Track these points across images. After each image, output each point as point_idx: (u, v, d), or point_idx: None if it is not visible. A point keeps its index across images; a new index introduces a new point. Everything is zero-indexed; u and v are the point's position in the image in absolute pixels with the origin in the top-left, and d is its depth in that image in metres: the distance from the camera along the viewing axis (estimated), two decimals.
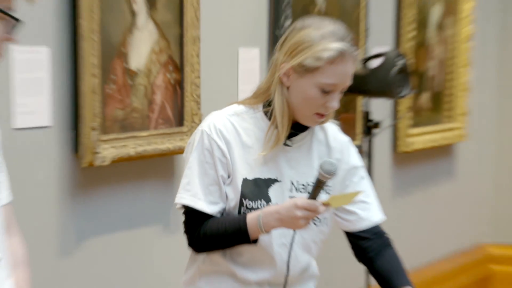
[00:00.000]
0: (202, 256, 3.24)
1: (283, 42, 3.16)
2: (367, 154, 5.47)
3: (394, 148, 6.46)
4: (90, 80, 4.01)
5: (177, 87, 4.52)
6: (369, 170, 5.43)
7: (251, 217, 3.09)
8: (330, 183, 3.15)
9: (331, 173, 3.01)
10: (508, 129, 7.72)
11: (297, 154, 3.20)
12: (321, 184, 3.03)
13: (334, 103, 3.13)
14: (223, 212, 3.19)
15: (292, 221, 3.03)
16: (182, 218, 3.23)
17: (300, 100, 3.12)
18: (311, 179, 3.15)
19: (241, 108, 3.21)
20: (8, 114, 3.79)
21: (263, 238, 3.14)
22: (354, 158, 3.36)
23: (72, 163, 4.08)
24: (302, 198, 3.07)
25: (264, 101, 3.18)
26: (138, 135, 4.29)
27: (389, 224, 6.22)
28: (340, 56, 3.08)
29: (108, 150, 4.11)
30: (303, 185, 3.19)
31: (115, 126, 4.19)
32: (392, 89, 5.30)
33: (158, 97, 4.41)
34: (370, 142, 5.48)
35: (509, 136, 7.72)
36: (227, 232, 3.13)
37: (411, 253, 6.71)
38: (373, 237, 3.35)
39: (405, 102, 6.33)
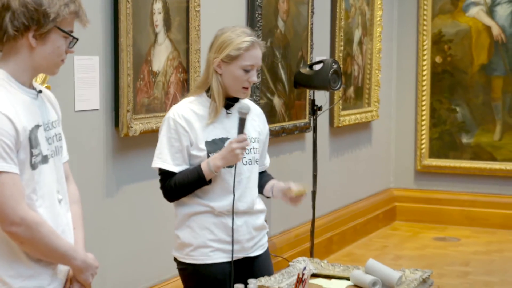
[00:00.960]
0: (182, 203, 3.11)
1: (212, 45, 3.12)
2: (313, 128, 5.44)
3: (331, 124, 6.43)
4: (126, 78, 3.98)
5: (185, 83, 4.48)
6: (314, 139, 5.40)
7: (203, 164, 3.02)
8: (248, 120, 3.07)
9: (247, 111, 3.02)
10: (403, 111, 7.75)
11: (236, 118, 3.10)
12: (243, 121, 3.01)
13: (254, 78, 3.08)
14: None
15: (231, 155, 2.98)
16: (158, 177, 3.12)
17: (231, 80, 3.06)
18: (247, 133, 3.09)
19: (191, 98, 3.14)
20: (71, 101, 3.77)
21: (225, 180, 3.06)
22: (266, 124, 3.32)
23: (113, 134, 4.05)
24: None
25: (206, 89, 3.11)
26: (158, 115, 4.25)
27: (326, 176, 6.24)
28: (252, 45, 3.06)
29: (138, 125, 4.08)
30: None
31: (142, 109, 4.15)
32: (329, 84, 5.27)
33: (172, 90, 4.37)
34: (315, 120, 5.45)
35: (403, 116, 7.75)
36: (189, 180, 3.03)
37: (342, 195, 6.72)
38: (264, 171, 3.31)
39: (338, 93, 6.31)
